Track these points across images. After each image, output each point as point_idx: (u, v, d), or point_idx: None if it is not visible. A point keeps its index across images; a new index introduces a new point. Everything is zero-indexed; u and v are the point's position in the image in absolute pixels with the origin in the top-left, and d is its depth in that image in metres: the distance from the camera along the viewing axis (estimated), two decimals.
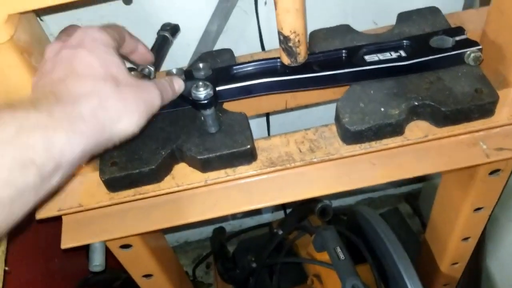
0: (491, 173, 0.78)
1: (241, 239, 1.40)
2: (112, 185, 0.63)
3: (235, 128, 0.64)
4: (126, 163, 0.62)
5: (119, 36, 0.57)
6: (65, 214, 0.67)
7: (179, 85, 0.62)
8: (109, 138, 0.49)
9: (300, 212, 1.23)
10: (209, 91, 0.61)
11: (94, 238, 0.69)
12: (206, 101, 0.61)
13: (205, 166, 0.63)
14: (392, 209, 1.49)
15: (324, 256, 1.00)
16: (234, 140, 0.62)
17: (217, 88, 0.65)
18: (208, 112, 0.62)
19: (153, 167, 0.61)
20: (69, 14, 0.86)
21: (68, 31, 0.55)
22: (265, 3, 0.93)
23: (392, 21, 0.76)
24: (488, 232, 1.14)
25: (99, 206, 0.64)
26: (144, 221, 0.68)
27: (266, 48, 0.98)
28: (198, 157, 0.61)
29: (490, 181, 0.80)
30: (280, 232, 1.24)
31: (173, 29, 0.77)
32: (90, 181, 0.65)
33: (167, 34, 0.75)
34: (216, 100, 0.63)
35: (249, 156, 0.63)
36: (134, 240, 0.76)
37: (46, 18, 0.85)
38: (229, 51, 0.75)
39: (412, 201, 1.58)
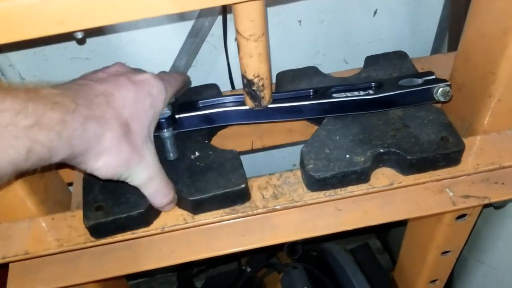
0: (458, 217, 0.78)
1: (209, 275, 1.36)
2: (97, 231, 0.59)
3: (227, 166, 0.62)
4: (113, 207, 0.59)
5: (175, 90, 0.62)
6: (10, 262, 0.62)
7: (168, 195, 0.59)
8: (81, 161, 0.50)
9: (269, 249, 1.20)
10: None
11: (43, 286, 0.64)
12: (162, 120, 0.59)
13: (196, 208, 0.60)
14: (362, 244, 1.46)
15: None
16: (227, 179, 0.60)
17: (179, 115, 0.64)
18: (166, 134, 0.60)
19: (142, 210, 0.58)
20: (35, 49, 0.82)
21: (140, 71, 0.57)
22: (235, 38, 0.92)
23: (363, 60, 0.75)
24: (457, 272, 1.13)
25: (47, 254, 0.59)
26: (96, 268, 0.64)
27: (235, 82, 0.97)
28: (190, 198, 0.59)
29: (457, 226, 0.80)
30: (249, 269, 1.21)
31: None
32: (39, 226, 0.61)
33: None
34: (174, 121, 0.62)
35: (244, 196, 0.61)
36: (91, 286, 0.71)
37: (10, 54, 0.82)
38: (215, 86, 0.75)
39: (382, 237, 1.57)
